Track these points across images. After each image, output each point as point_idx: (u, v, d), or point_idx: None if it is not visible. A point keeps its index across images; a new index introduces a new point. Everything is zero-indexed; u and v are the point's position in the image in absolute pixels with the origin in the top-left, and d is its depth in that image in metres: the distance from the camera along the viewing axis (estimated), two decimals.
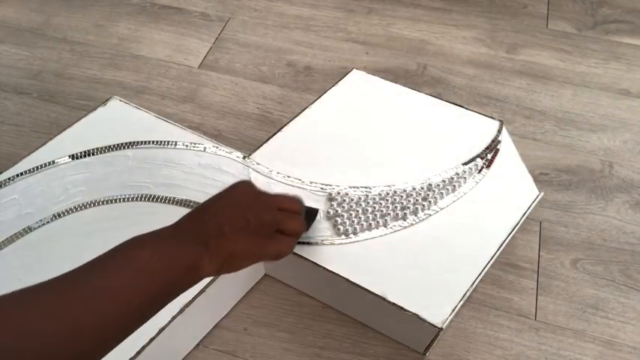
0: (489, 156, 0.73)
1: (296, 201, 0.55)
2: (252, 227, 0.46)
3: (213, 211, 0.46)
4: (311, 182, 0.69)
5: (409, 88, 0.83)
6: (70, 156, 0.72)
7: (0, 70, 0.99)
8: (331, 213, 0.66)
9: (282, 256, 0.50)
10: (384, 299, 0.59)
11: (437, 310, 0.59)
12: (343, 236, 0.65)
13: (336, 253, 0.63)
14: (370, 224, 0.66)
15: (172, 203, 0.67)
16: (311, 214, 0.63)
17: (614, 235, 0.77)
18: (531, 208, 0.69)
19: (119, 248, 0.39)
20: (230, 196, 0.48)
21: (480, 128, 0.77)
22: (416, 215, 0.67)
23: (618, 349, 0.67)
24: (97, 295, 0.35)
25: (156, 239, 0.41)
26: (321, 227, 0.65)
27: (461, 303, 0.60)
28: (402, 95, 0.82)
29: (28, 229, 0.64)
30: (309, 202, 0.63)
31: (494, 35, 1.06)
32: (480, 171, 0.72)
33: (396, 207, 0.67)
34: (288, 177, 0.70)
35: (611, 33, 1.07)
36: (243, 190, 0.49)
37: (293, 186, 0.69)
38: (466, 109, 0.79)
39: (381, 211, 0.67)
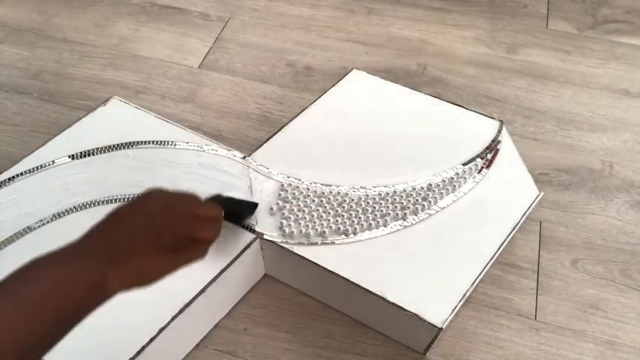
0: (489, 156, 0.73)
1: (213, 208, 0.52)
2: (166, 241, 0.44)
3: (124, 225, 0.43)
4: (311, 182, 0.69)
5: (409, 88, 0.83)
6: (70, 156, 0.72)
7: (0, 70, 0.99)
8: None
9: (197, 262, 0.48)
10: (384, 299, 0.59)
11: (437, 310, 0.59)
12: (343, 236, 0.65)
13: (336, 253, 0.63)
14: (370, 224, 0.66)
15: None
16: (248, 207, 0.64)
17: (614, 235, 0.77)
18: (531, 208, 0.69)
19: (18, 273, 0.37)
20: (142, 208, 0.45)
21: (480, 128, 0.77)
22: (416, 215, 0.67)
23: (618, 349, 0.67)
24: None
25: (58, 260, 0.39)
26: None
27: (461, 303, 0.60)
28: (402, 95, 0.82)
29: (28, 229, 0.64)
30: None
31: (495, 35, 1.06)
32: (480, 171, 0.72)
33: (396, 207, 0.67)
34: (288, 177, 0.70)
35: (611, 33, 1.07)
36: (156, 200, 0.46)
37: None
38: (466, 109, 0.79)
39: (381, 211, 0.67)
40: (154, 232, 0.44)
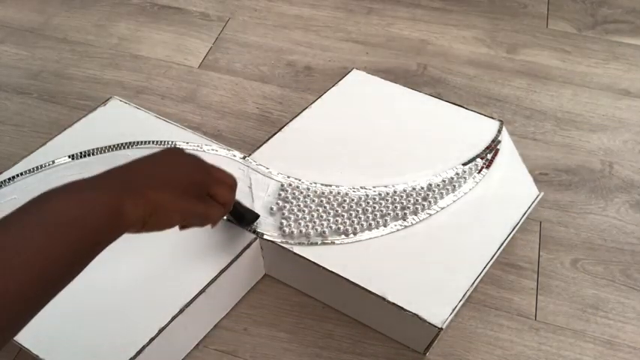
0: (489, 156, 0.73)
1: (230, 175, 0.52)
2: (181, 184, 0.44)
3: (139, 165, 0.43)
4: (311, 182, 0.69)
5: (409, 88, 0.83)
6: (69, 156, 0.72)
7: (0, 70, 0.99)
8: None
9: (210, 222, 0.48)
10: (384, 299, 0.59)
11: (437, 310, 0.59)
12: (343, 236, 0.65)
13: (336, 253, 0.63)
14: (370, 224, 0.66)
15: None
16: (250, 216, 0.64)
17: (614, 235, 0.77)
18: (531, 208, 0.69)
19: (30, 204, 0.36)
20: (160, 155, 0.46)
21: (480, 128, 0.77)
22: (416, 215, 0.67)
23: (618, 349, 0.67)
24: (11, 258, 0.32)
25: (72, 189, 0.38)
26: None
27: (461, 303, 0.60)
28: (402, 95, 0.82)
29: None
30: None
31: (494, 35, 1.06)
32: (480, 171, 0.72)
33: (396, 207, 0.67)
34: (288, 177, 0.70)
35: (611, 33, 1.07)
36: (174, 151, 0.47)
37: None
38: (466, 109, 0.79)
39: (381, 211, 0.67)
40: (171, 173, 0.44)
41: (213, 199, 0.48)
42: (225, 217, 0.64)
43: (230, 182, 0.51)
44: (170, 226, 0.43)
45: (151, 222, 0.41)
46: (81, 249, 0.36)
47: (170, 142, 0.73)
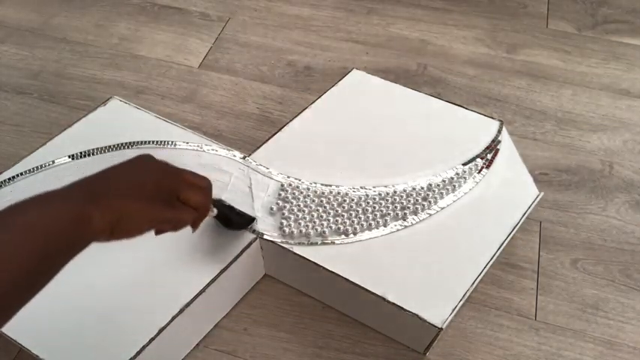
0: (489, 156, 0.73)
1: (203, 178, 0.52)
2: (148, 190, 0.44)
3: (107, 174, 0.44)
4: (311, 182, 0.69)
5: (409, 88, 0.82)
6: (69, 156, 0.72)
7: (0, 70, 0.99)
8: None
9: (182, 227, 0.48)
10: (384, 299, 0.59)
11: (437, 310, 0.59)
12: (343, 236, 0.65)
13: (336, 253, 0.63)
14: (370, 224, 0.66)
15: None
16: (242, 220, 0.64)
17: (614, 235, 0.77)
18: (531, 208, 0.69)
19: (0, 214, 0.37)
20: (128, 162, 0.46)
21: (480, 128, 0.77)
22: (416, 215, 0.67)
23: (618, 349, 0.67)
24: None
25: (40, 199, 0.39)
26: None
27: (461, 303, 0.60)
28: (402, 95, 0.82)
29: None
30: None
31: (495, 35, 1.06)
32: (480, 171, 0.72)
33: (396, 207, 0.67)
34: (288, 177, 0.70)
35: (611, 33, 1.07)
36: (144, 158, 0.47)
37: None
38: (466, 109, 0.79)
39: (381, 211, 0.67)
40: (138, 180, 0.44)
41: (186, 203, 0.48)
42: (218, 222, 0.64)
43: (203, 185, 0.51)
44: (140, 232, 0.44)
45: (118, 230, 0.41)
46: (47, 257, 0.37)
47: (170, 142, 0.73)
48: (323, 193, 0.68)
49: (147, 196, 0.43)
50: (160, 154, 0.72)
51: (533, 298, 0.71)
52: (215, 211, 0.56)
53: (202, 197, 0.50)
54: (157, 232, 0.47)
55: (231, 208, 0.64)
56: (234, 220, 0.63)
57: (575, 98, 0.95)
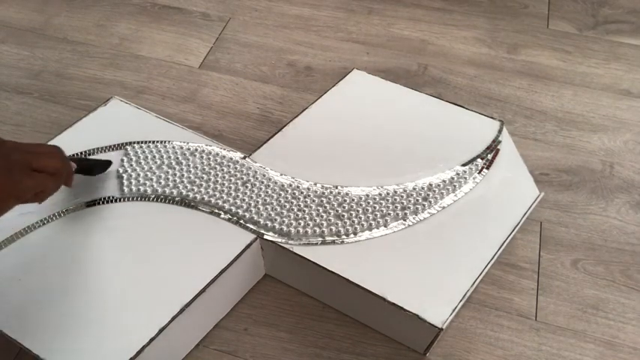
0: (490, 156, 0.73)
1: (52, 146, 0.56)
2: (3, 167, 0.47)
3: None
4: (311, 182, 0.69)
5: (409, 88, 0.82)
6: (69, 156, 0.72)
7: (1, 70, 0.99)
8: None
9: (45, 194, 0.53)
10: (384, 299, 0.59)
11: (437, 310, 0.59)
12: (344, 236, 0.65)
13: (336, 253, 0.63)
14: (370, 224, 0.66)
15: (172, 203, 0.67)
16: (101, 164, 0.68)
17: (615, 236, 0.77)
18: (532, 208, 0.69)
19: None
20: None
21: (481, 128, 0.77)
22: (416, 215, 0.67)
23: (619, 349, 0.67)
24: None
25: None
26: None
27: (461, 303, 0.60)
28: (403, 95, 0.82)
29: (28, 229, 0.64)
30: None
31: (495, 35, 1.06)
32: (480, 171, 0.72)
33: (396, 207, 0.67)
34: (288, 177, 0.70)
35: (612, 33, 1.07)
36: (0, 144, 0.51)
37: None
38: (466, 109, 0.79)
39: (382, 211, 0.67)
40: None
41: (43, 171, 0.52)
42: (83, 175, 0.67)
43: (53, 151, 0.55)
44: (7, 206, 0.48)
45: None
46: None
47: (170, 142, 0.73)
48: (323, 193, 0.68)
49: (3, 172, 0.47)
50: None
51: (534, 299, 0.71)
52: (75, 166, 0.61)
53: (55, 161, 0.54)
54: (38, 201, 0.52)
55: (87, 159, 0.70)
56: (95, 167, 0.68)
57: (575, 98, 0.95)
